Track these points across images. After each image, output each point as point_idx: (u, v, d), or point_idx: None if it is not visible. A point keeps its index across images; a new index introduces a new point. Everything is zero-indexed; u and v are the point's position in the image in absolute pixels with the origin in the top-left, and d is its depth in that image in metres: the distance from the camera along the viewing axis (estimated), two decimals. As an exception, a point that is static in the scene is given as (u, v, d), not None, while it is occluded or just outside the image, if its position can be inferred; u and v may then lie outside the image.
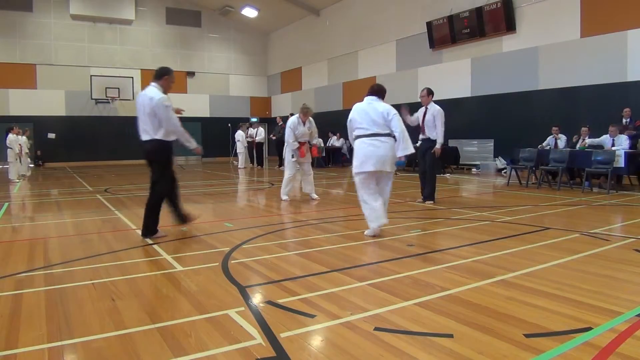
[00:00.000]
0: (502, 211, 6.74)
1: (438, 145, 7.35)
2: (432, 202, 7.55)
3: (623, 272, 3.68)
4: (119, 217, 6.69)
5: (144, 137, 5.07)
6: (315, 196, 8.23)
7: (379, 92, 5.28)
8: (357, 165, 5.05)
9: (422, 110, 7.62)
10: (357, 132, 5.12)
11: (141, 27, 22.32)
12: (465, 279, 3.49)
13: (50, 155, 20.55)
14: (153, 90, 5.04)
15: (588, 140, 9.81)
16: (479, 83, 14.43)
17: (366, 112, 5.10)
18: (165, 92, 5.14)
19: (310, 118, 8.24)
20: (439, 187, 10.16)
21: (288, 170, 8.09)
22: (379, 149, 4.95)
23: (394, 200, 7.91)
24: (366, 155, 4.97)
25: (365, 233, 5.14)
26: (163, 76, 5.20)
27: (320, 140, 16.26)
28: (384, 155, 4.95)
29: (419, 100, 7.81)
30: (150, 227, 5.11)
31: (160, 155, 5.11)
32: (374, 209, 4.98)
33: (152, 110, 4.95)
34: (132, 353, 2.34)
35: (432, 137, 7.44)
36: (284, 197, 8.11)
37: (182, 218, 5.38)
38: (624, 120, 10.38)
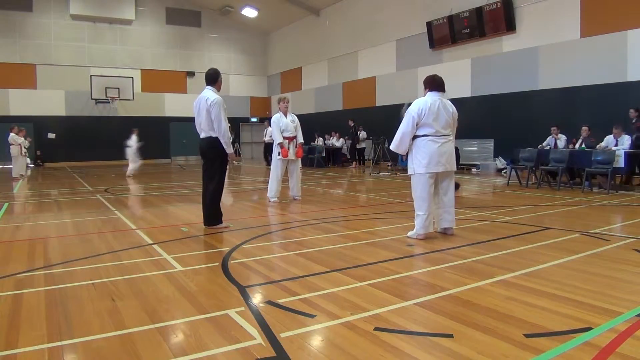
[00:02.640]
0: (502, 211, 6.74)
1: None
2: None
3: (623, 272, 3.68)
4: (119, 217, 6.69)
5: (202, 135, 5.70)
6: (298, 197, 8.04)
7: (443, 86, 4.99)
8: (424, 164, 4.81)
9: None
10: (420, 132, 4.85)
11: (141, 27, 22.32)
12: (465, 279, 3.49)
13: (50, 155, 20.55)
14: (209, 92, 5.63)
15: (602, 144, 9.67)
16: (479, 83, 14.43)
17: (441, 112, 4.84)
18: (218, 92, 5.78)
19: (293, 114, 8.17)
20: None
21: (274, 170, 7.89)
22: (448, 146, 4.90)
23: (394, 201, 7.91)
24: (440, 154, 4.80)
25: (410, 234, 5.01)
26: (217, 79, 5.78)
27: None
28: (451, 152, 4.94)
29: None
30: (211, 218, 5.66)
31: (213, 152, 5.63)
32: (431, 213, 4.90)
33: (207, 110, 5.52)
34: (132, 353, 2.34)
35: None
36: (273, 199, 7.87)
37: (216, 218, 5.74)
38: (633, 120, 10.18)
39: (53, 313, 2.90)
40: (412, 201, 5.06)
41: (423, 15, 15.81)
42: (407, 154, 5.07)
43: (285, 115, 7.97)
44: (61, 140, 20.45)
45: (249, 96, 25.43)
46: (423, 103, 4.86)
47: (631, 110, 10.57)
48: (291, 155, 7.89)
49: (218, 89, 5.77)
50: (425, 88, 5.05)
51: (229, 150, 5.64)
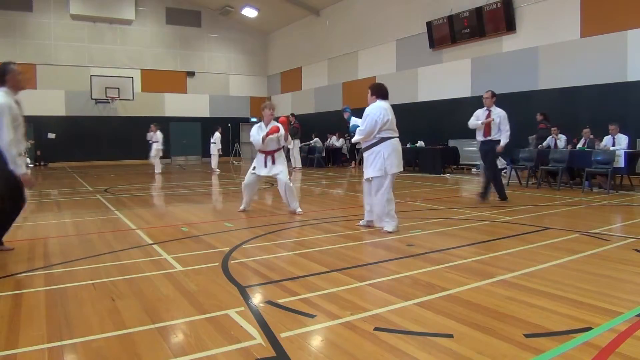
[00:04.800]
0: (502, 211, 6.74)
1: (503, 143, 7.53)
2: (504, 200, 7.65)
3: (623, 272, 3.68)
4: (119, 217, 6.69)
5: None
6: (299, 210, 6.74)
7: (388, 95, 5.50)
8: (396, 165, 5.32)
9: (483, 111, 7.74)
10: (386, 134, 5.32)
11: (141, 27, 22.31)
12: (465, 279, 3.49)
13: (50, 155, 20.54)
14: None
15: (602, 143, 9.66)
16: (479, 83, 14.41)
17: (392, 115, 5.37)
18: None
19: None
20: (440, 187, 10.17)
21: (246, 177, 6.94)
22: (401, 151, 5.46)
23: (395, 201, 7.90)
24: (399, 157, 5.37)
25: (389, 230, 5.30)
26: (3, 76, 4.36)
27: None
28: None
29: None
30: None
31: None
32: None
33: None
34: (132, 353, 2.34)
35: (495, 138, 7.58)
36: (241, 207, 7.05)
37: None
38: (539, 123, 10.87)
39: (53, 313, 2.90)
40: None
41: (423, 15, 15.81)
42: (367, 156, 5.41)
43: (267, 125, 6.70)
44: (61, 140, 20.44)
45: (249, 96, 25.42)
46: (384, 109, 5.28)
47: (538, 114, 11.59)
48: (266, 172, 6.71)
49: (12, 88, 4.36)
50: (373, 95, 5.44)
51: (18, 170, 4.16)
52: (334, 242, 4.90)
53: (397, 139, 5.40)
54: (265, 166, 6.71)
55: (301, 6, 20.88)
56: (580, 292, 3.17)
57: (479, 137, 7.79)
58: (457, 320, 2.70)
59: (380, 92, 5.42)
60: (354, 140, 5.62)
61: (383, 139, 5.29)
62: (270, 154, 6.69)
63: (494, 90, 8.18)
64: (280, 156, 6.80)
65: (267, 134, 6.54)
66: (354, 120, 5.64)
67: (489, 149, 7.60)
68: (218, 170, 16.11)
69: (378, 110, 5.25)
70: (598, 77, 11.44)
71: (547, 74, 12.61)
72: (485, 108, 7.73)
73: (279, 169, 6.67)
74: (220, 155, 16.77)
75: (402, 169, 5.51)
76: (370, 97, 5.45)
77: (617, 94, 11.06)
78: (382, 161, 5.25)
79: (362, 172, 5.58)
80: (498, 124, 7.54)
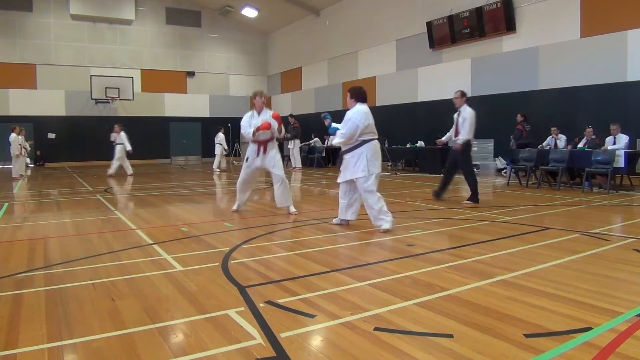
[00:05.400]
0: (502, 211, 6.74)
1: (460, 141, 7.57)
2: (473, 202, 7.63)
3: (623, 272, 3.68)
4: (119, 217, 6.69)
5: None
6: (293, 210, 6.68)
7: (366, 98, 5.66)
8: (378, 165, 5.49)
9: (456, 114, 7.75)
10: (367, 137, 5.46)
11: (141, 27, 22.31)
12: (465, 279, 3.49)
13: (50, 155, 20.54)
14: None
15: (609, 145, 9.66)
16: (479, 83, 14.42)
17: (372, 118, 5.53)
18: None
19: (269, 110, 6.70)
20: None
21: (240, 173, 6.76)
22: (380, 152, 5.66)
23: (395, 201, 7.91)
24: (379, 158, 5.55)
25: (387, 227, 5.33)
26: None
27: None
28: None
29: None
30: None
31: None
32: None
33: None
34: (132, 353, 2.34)
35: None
36: (234, 207, 6.96)
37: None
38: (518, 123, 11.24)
39: (53, 313, 2.90)
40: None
41: (423, 15, 15.81)
42: (349, 159, 5.52)
43: (259, 113, 6.60)
44: (61, 140, 20.44)
45: (249, 96, 25.39)
46: (364, 114, 5.40)
47: (518, 115, 12.05)
48: (260, 162, 6.60)
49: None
50: (352, 98, 5.55)
51: None
52: (334, 242, 4.90)
53: (377, 141, 5.59)
54: (258, 155, 6.58)
55: (301, 6, 20.88)
56: (580, 292, 3.17)
57: (453, 137, 7.86)
58: (457, 320, 2.70)
59: (360, 95, 5.55)
60: (334, 142, 5.74)
61: (364, 141, 5.43)
62: (262, 143, 6.55)
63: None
64: (274, 146, 6.67)
65: (258, 129, 6.38)
66: (334, 125, 5.73)
67: (459, 152, 7.64)
68: (218, 170, 16.24)
69: (359, 115, 5.36)
70: (598, 77, 11.44)
71: (547, 74, 12.61)
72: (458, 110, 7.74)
73: (274, 161, 6.57)
74: (226, 156, 16.94)
75: (381, 170, 5.68)
76: (349, 100, 5.56)
77: (617, 94, 11.06)
78: (365, 162, 5.38)
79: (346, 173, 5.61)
80: (463, 122, 7.54)
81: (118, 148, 14.47)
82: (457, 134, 7.62)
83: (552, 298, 3.06)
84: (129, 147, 14.34)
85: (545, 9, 12.56)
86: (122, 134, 14.54)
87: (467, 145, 7.54)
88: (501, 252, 4.30)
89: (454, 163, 7.79)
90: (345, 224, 5.79)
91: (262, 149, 6.58)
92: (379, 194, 5.44)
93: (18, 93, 20.08)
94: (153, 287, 3.43)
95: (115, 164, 14.50)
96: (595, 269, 3.76)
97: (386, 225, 5.34)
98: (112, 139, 14.85)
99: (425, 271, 3.73)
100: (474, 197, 7.63)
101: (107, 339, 2.51)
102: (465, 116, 7.53)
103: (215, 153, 16.99)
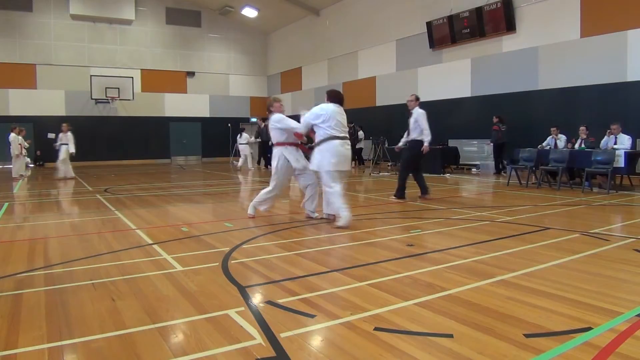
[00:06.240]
0: (502, 211, 6.74)
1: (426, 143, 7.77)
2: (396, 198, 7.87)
3: (623, 272, 3.68)
4: (119, 217, 6.69)
5: None
6: (315, 215, 6.31)
7: (342, 100, 5.99)
8: (334, 163, 5.67)
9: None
10: (333, 132, 5.70)
11: (141, 27, 22.31)
12: (465, 279, 3.49)
13: (50, 155, 20.50)
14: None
15: (601, 146, 9.67)
16: (479, 83, 14.43)
17: (341, 116, 5.80)
18: None
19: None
20: (440, 187, 10.18)
21: (274, 181, 6.21)
22: (349, 151, 5.88)
23: (395, 200, 7.91)
24: (344, 156, 5.77)
25: (340, 224, 5.56)
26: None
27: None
28: (349, 157, 5.97)
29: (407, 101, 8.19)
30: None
31: None
32: (343, 199, 5.74)
33: None
34: (132, 353, 2.34)
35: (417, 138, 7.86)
36: (251, 211, 6.42)
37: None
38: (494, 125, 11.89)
39: (53, 313, 2.90)
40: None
41: (423, 15, 15.81)
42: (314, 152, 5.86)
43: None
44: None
45: (249, 96, 25.42)
46: (329, 110, 5.73)
47: (494, 117, 12.63)
48: (302, 163, 6.22)
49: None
50: (327, 100, 5.91)
51: None
52: (334, 242, 4.90)
53: (342, 140, 5.73)
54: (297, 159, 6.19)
55: (301, 6, 20.88)
56: (580, 292, 3.17)
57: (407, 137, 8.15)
58: (457, 320, 2.70)
59: (336, 97, 5.91)
60: (298, 131, 5.99)
61: (330, 138, 5.67)
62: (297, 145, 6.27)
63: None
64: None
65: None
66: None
67: (407, 149, 7.96)
68: (252, 167, 16.73)
69: (321, 109, 5.71)
70: (598, 77, 11.44)
71: (547, 74, 12.61)
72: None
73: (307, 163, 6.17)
74: (234, 156, 17.18)
75: (343, 169, 5.80)
76: (326, 101, 5.92)
77: (617, 94, 11.06)
78: (320, 158, 5.70)
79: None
80: (415, 123, 7.79)
81: (63, 149, 13.53)
82: (408, 133, 7.95)
83: (552, 298, 3.06)
84: (72, 150, 13.47)
85: (545, 9, 12.57)
86: (69, 134, 13.61)
87: (420, 144, 7.78)
88: (501, 252, 4.30)
89: (411, 161, 8.00)
90: (332, 218, 5.95)
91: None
92: (334, 190, 5.67)
93: (18, 93, 20.08)
94: (153, 287, 3.43)
95: (60, 166, 13.54)
96: (595, 269, 3.76)
97: (339, 222, 5.59)
98: (58, 139, 13.82)
99: (425, 271, 3.73)
100: (401, 193, 7.88)
101: (107, 339, 2.51)
102: (417, 117, 7.79)
103: (243, 153, 17.11)
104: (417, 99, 8.00)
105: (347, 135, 5.90)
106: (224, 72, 24.44)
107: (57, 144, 13.64)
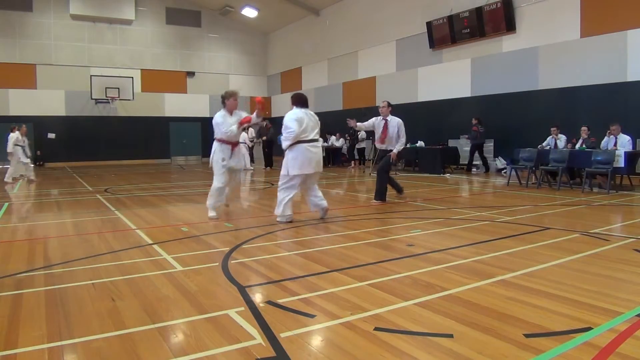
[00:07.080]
0: (502, 211, 6.74)
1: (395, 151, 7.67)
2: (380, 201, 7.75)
3: (623, 272, 3.68)
4: (119, 217, 6.69)
5: None
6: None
7: (307, 103, 6.11)
8: (298, 166, 5.84)
9: (380, 120, 7.80)
10: (301, 136, 5.83)
11: (141, 27, 22.31)
12: (465, 279, 3.49)
13: (50, 155, 20.55)
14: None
15: (602, 146, 9.67)
16: (479, 83, 14.42)
17: (309, 118, 5.92)
18: None
19: (241, 112, 6.71)
20: (440, 187, 10.18)
21: (218, 178, 6.42)
22: (317, 154, 5.98)
23: (394, 201, 7.91)
24: (310, 159, 5.87)
25: (278, 219, 5.94)
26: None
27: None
28: (318, 159, 6.03)
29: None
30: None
31: None
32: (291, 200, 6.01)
33: None
34: (132, 353, 2.34)
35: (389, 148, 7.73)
36: (211, 214, 6.37)
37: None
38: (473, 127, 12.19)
39: (53, 313, 2.90)
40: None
41: (423, 15, 15.81)
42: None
43: (231, 113, 6.47)
44: (61, 140, 20.43)
45: (249, 96, 25.40)
46: (297, 117, 5.84)
47: (473, 119, 13.07)
48: (232, 163, 6.52)
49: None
50: (292, 105, 6.03)
51: None
52: (334, 242, 4.90)
53: (309, 143, 5.86)
54: (231, 157, 6.51)
55: (301, 6, 20.88)
56: (580, 292, 3.17)
57: (377, 142, 8.01)
58: (457, 320, 2.70)
59: (302, 101, 6.03)
60: (284, 146, 6.01)
61: (297, 142, 5.82)
62: (236, 145, 6.64)
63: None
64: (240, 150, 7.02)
65: (242, 122, 6.50)
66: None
67: (384, 156, 7.77)
68: (252, 168, 16.69)
69: (298, 119, 5.79)
70: (598, 77, 11.44)
71: (547, 74, 12.61)
72: (381, 117, 7.79)
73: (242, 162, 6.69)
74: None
75: (313, 171, 5.95)
76: (291, 107, 6.03)
77: (617, 94, 11.06)
78: (288, 163, 5.87)
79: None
80: (396, 133, 7.66)
81: (19, 150, 12.80)
82: (383, 140, 7.76)
83: (552, 298, 3.06)
84: (27, 154, 13.10)
85: (545, 9, 12.56)
86: (25, 138, 13.14)
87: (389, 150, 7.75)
88: (501, 252, 4.30)
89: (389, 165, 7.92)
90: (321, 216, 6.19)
91: (235, 149, 6.61)
92: (289, 195, 5.91)
93: (18, 93, 20.07)
94: (153, 287, 3.43)
95: (27, 166, 13.09)
96: (595, 269, 3.76)
97: (279, 218, 5.93)
98: (17, 142, 12.91)
99: (425, 271, 3.73)
100: (381, 196, 7.74)
101: (107, 339, 2.51)
102: (399, 126, 7.67)
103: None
104: (389, 105, 7.91)
105: (316, 137, 5.98)
106: (224, 72, 24.44)
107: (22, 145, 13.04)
